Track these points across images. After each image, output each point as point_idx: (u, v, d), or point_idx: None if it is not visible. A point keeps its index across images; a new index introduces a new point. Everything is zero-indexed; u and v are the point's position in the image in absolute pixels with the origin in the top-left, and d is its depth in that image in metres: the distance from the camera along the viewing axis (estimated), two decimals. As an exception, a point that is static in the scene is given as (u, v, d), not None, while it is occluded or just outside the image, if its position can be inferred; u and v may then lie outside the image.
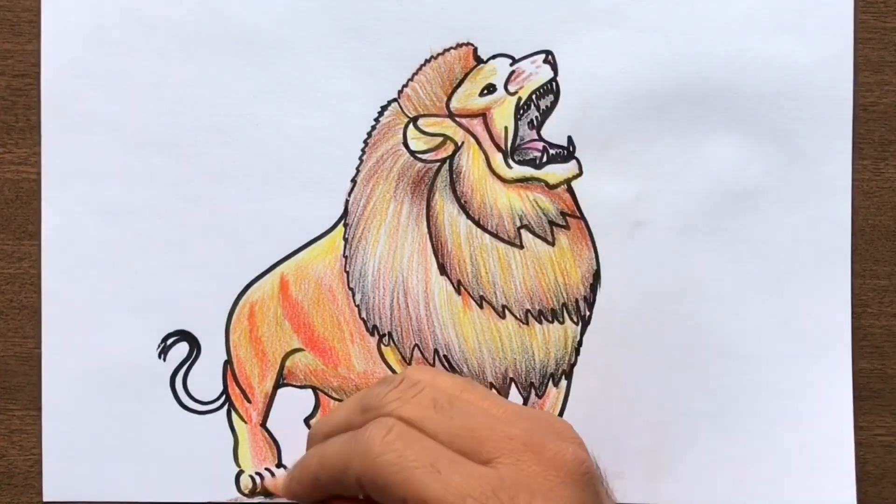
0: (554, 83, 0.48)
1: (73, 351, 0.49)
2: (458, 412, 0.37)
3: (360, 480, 0.35)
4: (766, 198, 0.49)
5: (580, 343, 0.49)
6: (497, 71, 0.48)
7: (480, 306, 0.48)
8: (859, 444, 0.49)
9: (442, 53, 0.48)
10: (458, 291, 0.48)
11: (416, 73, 0.48)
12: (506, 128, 0.48)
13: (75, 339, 0.49)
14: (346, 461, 0.36)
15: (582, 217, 0.49)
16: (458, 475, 0.34)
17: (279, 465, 0.49)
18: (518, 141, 0.48)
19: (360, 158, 0.49)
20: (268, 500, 0.49)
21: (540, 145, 0.48)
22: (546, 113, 0.48)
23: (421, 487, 0.34)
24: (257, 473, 0.49)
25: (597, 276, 0.49)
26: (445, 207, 0.48)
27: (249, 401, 0.49)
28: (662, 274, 0.49)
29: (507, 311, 0.48)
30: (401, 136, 0.48)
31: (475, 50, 0.48)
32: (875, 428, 0.49)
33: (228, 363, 0.49)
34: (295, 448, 0.49)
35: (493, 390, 0.49)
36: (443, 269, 0.48)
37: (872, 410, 0.49)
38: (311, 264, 0.49)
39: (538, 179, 0.48)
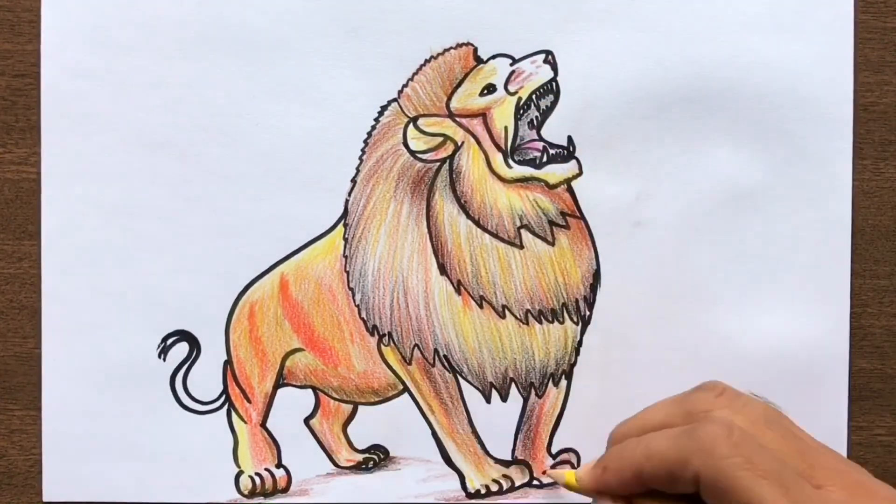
0: (554, 83, 0.48)
1: (73, 351, 0.49)
2: (785, 431, 0.37)
3: (699, 477, 0.35)
4: (766, 198, 0.49)
5: (580, 343, 0.49)
6: (497, 71, 0.48)
7: (480, 306, 0.48)
8: (859, 444, 0.49)
9: (442, 53, 0.48)
10: (458, 291, 0.48)
11: (416, 73, 0.48)
12: (506, 128, 0.48)
13: (75, 339, 0.49)
14: (683, 456, 0.36)
15: (582, 217, 0.49)
16: (803, 496, 0.34)
17: (279, 465, 0.49)
18: (518, 141, 0.48)
19: (360, 158, 0.49)
20: (268, 501, 0.49)
21: (540, 145, 0.48)
22: (546, 113, 0.48)
23: (768, 500, 0.33)
24: (257, 474, 0.49)
25: (597, 276, 0.49)
26: (445, 207, 0.48)
27: (249, 401, 0.49)
28: (662, 274, 0.49)
29: (507, 311, 0.48)
30: (401, 136, 0.48)
31: (475, 50, 0.48)
32: (875, 428, 0.49)
33: (228, 363, 0.49)
34: (295, 448, 0.49)
35: (494, 390, 0.49)
36: (443, 269, 0.48)
37: (872, 410, 0.49)
38: (311, 264, 0.49)
39: (538, 179, 0.48)
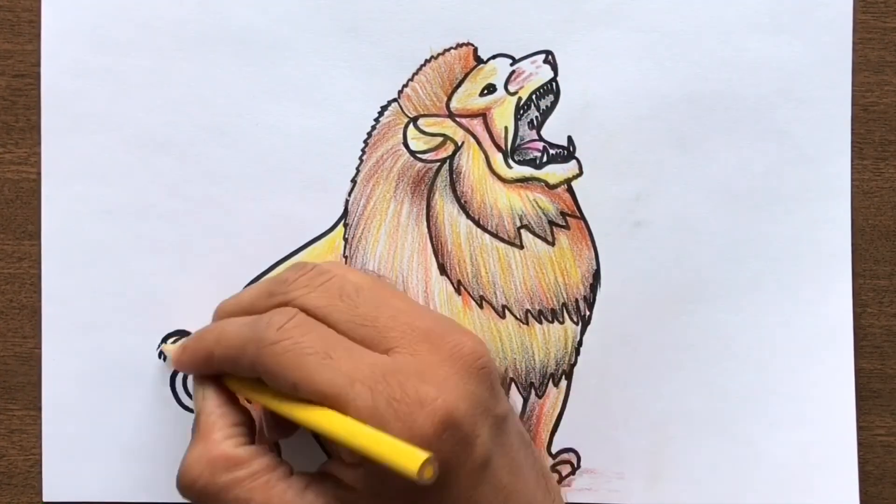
0: (554, 83, 0.48)
1: (73, 351, 0.49)
2: (363, 301, 0.38)
3: (253, 365, 0.37)
4: (766, 198, 0.49)
5: (580, 343, 0.49)
6: (497, 71, 0.48)
7: (480, 306, 0.48)
8: (859, 445, 0.49)
9: (442, 53, 0.48)
10: (458, 291, 0.48)
11: (416, 73, 0.48)
12: (506, 128, 0.48)
13: (75, 339, 0.49)
14: (242, 344, 0.37)
15: (582, 217, 0.49)
16: (350, 361, 0.35)
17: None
18: (518, 141, 0.48)
19: (360, 158, 0.49)
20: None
21: (540, 145, 0.48)
22: (546, 113, 0.48)
23: (311, 372, 0.35)
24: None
25: (597, 276, 0.49)
26: (445, 207, 0.48)
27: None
28: (662, 274, 0.49)
29: (507, 311, 0.48)
30: (401, 136, 0.48)
31: (475, 50, 0.48)
32: (875, 428, 0.49)
33: (228, 363, 0.49)
34: (295, 448, 0.49)
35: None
36: (443, 269, 0.48)
37: (873, 410, 0.49)
38: (311, 264, 0.49)
39: (538, 179, 0.48)
